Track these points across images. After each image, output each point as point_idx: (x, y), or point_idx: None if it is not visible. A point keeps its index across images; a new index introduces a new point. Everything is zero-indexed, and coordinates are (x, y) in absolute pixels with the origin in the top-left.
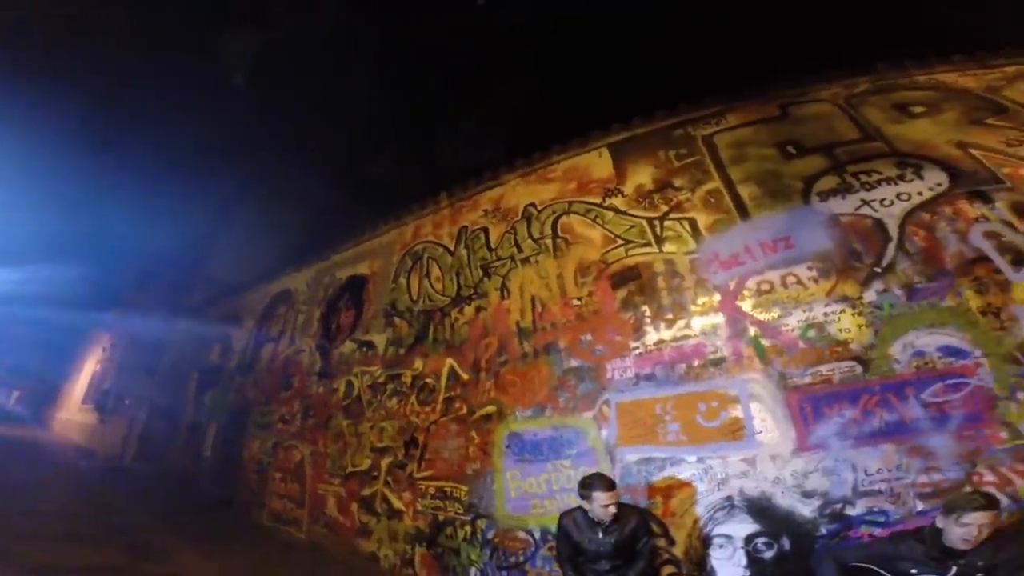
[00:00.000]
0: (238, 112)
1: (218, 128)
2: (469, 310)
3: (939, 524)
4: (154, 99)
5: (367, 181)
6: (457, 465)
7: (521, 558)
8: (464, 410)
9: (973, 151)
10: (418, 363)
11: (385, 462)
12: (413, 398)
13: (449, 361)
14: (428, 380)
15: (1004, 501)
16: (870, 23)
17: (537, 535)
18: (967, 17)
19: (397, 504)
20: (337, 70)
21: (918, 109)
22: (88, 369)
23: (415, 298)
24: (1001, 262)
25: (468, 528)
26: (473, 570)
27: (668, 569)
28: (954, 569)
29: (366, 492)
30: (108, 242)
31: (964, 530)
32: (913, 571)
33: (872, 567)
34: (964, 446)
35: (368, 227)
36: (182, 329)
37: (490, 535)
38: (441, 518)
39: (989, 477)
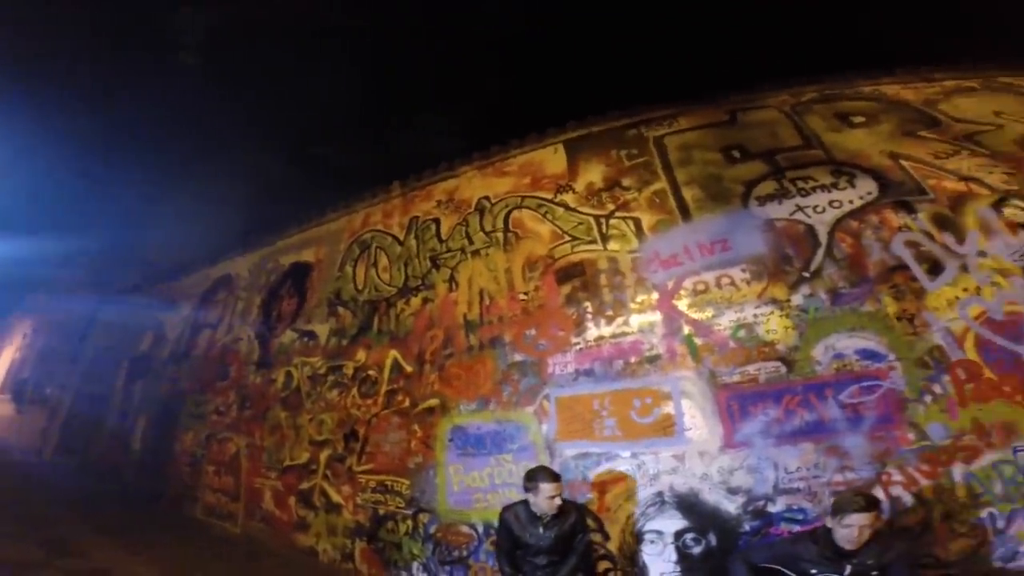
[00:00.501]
0: (187, 86)
1: (164, 100)
2: (416, 301)
3: (829, 525)
4: (97, 67)
5: (320, 165)
6: (399, 459)
7: (464, 552)
8: (407, 403)
9: (903, 162)
10: (361, 354)
11: (324, 455)
12: (354, 390)
13: (393, 353)
14: (371, 372)
15: (908, 500)
16: (822, 34)
17: (480, 529)
18: (914, 31)
19: (336, 498)
20: (298, 51)
21: (858, 119)
22: (6, 356)
23: (360, 288)
24: (918, 271)
25: (410, 522)
26: (415, 565)
27: (604, 564)
28: (848, 568)
29: (304, 486)
30: (32, 217)
31: (847, 531)
32: (813, 571)
33: (779, 567)
34: (875, 446)
35: (316, 213)
36: (111, 314)
37: (432, 529)
38: (382, 512)
39: (897, 477)
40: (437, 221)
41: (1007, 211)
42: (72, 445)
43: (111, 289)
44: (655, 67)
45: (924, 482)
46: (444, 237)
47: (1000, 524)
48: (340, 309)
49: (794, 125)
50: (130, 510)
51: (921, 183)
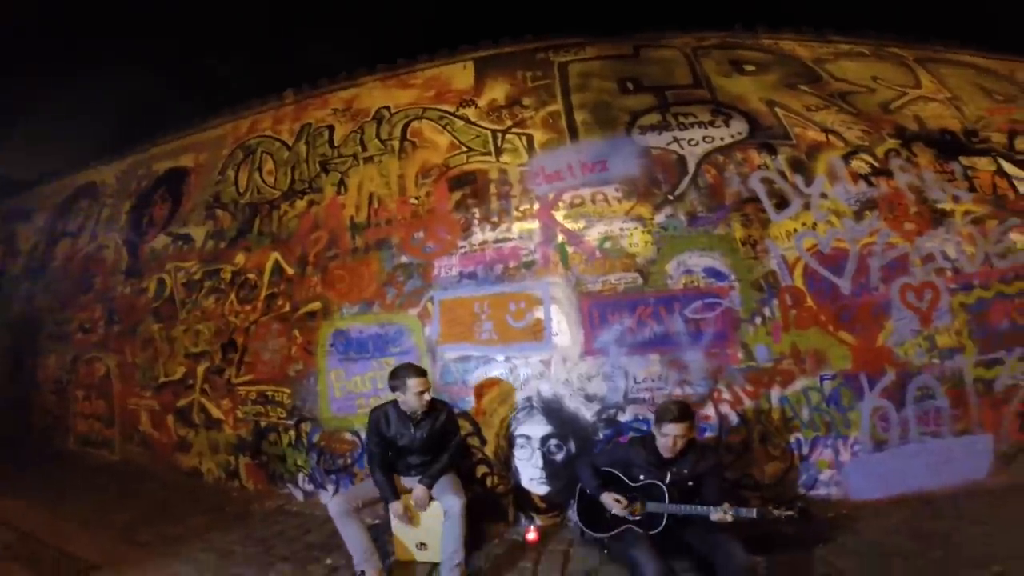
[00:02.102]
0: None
1: (23, 6)
2: (301, 204)
3: (653, 432)
4: None
5: (203, 77)
6: (279, 367)
7: (348, 460)
8: (287, 307)
9: (777, 109)
10: (240, 257)
11: (201, 369)
12: (232, 296)
13: (274, 255)
14: (250, 276)
15: (734, 419)
16: None
17: (363, 436)
18: None
19: (216, 413)
20: None
21: (749, 67)
22: None
23: (242, 191)
24: (768, 204)
25: (292, 433)
26: (300, 476)
27: (481, 469)
28: (669, 475)
29: (181, 403)
30: None
31: (664, 440)
32: (641, 476)
33: (614, 471)
34: (711, 363)
35: (198, 120)
36: None
37: (315, 439)
38: (263, 424)
39: (726, 395)
40: (331, 128)
41: (854, 163)
42: None
43: None
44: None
45: (748, 402)
46: (337, 144)
47: (804, 450)
48: (219, 212)
49: (689, 66)
50: None
51: (788, 129)
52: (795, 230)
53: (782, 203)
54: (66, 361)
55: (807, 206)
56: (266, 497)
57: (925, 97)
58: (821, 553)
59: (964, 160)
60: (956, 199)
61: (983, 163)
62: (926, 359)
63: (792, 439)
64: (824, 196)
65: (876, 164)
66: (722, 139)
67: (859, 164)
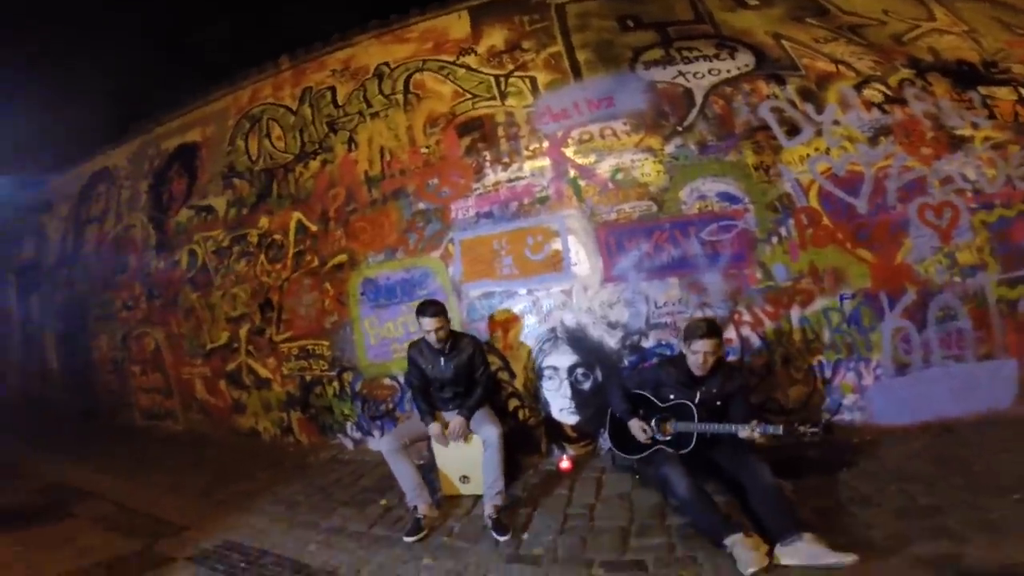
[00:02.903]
0: None
1: None
2: (314, 164)
3: (682, 351)
4: None
5: (198, 50)
6: (315, 320)
7: (390, 405)
8: (316, 262)
9: (784, 42)
10: (263, 221)
11: (243, 331)
12: (262, 257)
13: (296, 215)
14: (276, 236)
15: (756, 342)
16: None
17: (401, 379)
18: None
19: (264, 373)
20: None
21: (753, 2)
22: None
23: (255, 159)
24: (778, 131)
25: (336, 384)
26: (348, 425)
27: (513, 403)
28: (698, 395)
29: (230, 367)
30: None
31: (695, 357)
32: (671, 396)
33: (644, 393)
34: (730, 284)
35: (199, 95)
36: None
37: (358, 387)
38: (308, 378)
39: (746, 316)
40: (333, 89)
41: (866, 91)
42: None
43: None
44: None
45: (768, 324)
46: (341, 103)
47: (827, 373)
48: (236, 181)
49: (690, 2)
50: (66, 431)
51: (796, 61)
52: (808, 155)
53: (793, 131)
54: (116, 339)
55: (819, 133)
56: (320, 449)
57: (940, 30)
58: (845, 478)
59: (983, 89)
60: (975, 126)
61: (1003, 92)
62: (947, 276)
63: (815, 362)
64: (836, 123)
65: (889, 93)
66: (728, 71)
67: (872, 93)
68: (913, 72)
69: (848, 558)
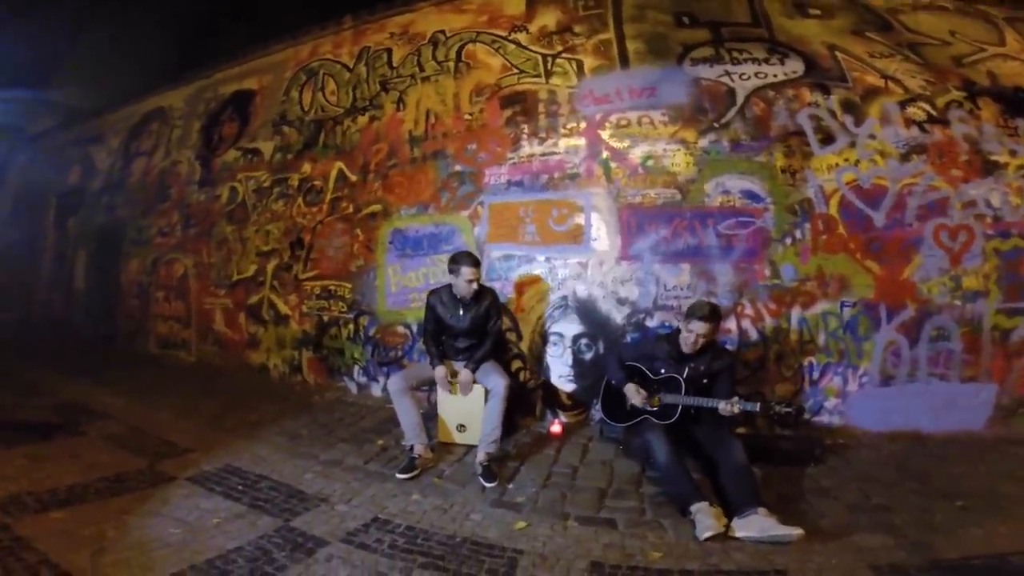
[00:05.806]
0: None
1: None
2: (363, 119)
3: (679, 326)
4: None
5: (260, 3)
6: (342, 263)
7: (399, 352)
8: (350, 209)
9: (838, 53)
10: (306, 167)
11: (271, 266)
12: (300, 200)
13: (338, 164)
14: (316, 183)
15: (753, 335)
16: None
17: (414, 328)
18: None
19: (284, 309)
20: None
21: (815, 11)
22: None
23: (306, 109)
24: (812, 138)
25: (351, 327)
26: (356, 369)
27: (516, 364)
28: (687, 370)
29: (252, 300)
30: None
31: (688, 335)
32: (662, 370)
33: (639, 365)
34: (738, 276)
35: (260, 46)
36: (27, 157)
37: (372, 331)
38: (326, 319)
39: (749, 310)
40: (389, 51)
41: (910, 109)
42: (6, 300)
43: (21, 136)
44: None
45: (768, 320)
46: (395, 64)
47: (815, 375)
48: (285, 128)
49: (750, 4)
50: (86, 354)
51: (846, 73)
52: (837, 164)
53: (827, 139)
54: (147, 264)
55: (852, 144)
56: (325, 390)
57: (1005, 55)
58: (811, 472)
59: None
60: (1013, 153)
61: None
62: (948, 299)
63: (806, 362)
64: (872, 136)
65: (934, 112)
66: (775, 76)
67: (915, 111)
68: (964, 95)
69: (795, 531)
